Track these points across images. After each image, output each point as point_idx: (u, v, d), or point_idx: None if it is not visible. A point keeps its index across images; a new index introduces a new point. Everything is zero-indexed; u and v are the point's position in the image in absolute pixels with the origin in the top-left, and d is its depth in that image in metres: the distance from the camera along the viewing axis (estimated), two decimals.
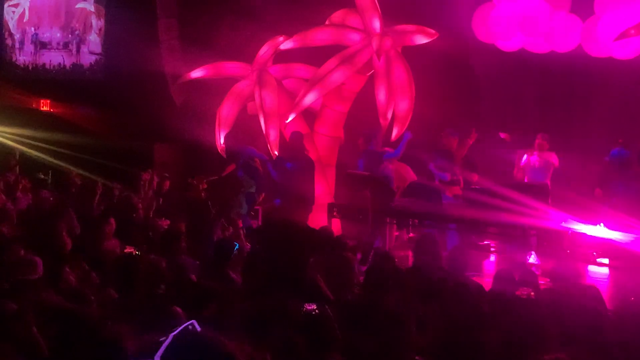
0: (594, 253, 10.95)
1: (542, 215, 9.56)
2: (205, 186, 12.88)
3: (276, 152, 12.31)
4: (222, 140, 12.78)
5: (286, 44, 12.39)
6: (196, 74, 13.23)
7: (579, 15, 11.93)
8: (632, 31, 9.71)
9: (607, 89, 12.94)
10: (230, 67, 13.11)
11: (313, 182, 11.52)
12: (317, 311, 4.64)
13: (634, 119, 12.40)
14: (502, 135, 10.20)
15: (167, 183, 13.68)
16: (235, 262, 6.79)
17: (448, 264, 7.08)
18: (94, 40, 17.40)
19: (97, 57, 17.34)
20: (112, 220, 8.45)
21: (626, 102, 12.80)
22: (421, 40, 12.15)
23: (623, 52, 11.53)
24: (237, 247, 6.90)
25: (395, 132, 12.24)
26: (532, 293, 5.57)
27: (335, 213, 10.96)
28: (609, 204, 10.54)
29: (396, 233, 12.07)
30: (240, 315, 4.78)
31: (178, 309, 5.07)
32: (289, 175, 11.29)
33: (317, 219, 11.37)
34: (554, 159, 11.73)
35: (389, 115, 12.07)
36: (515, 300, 5.39)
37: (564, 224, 10.13)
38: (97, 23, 17.38)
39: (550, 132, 12.04)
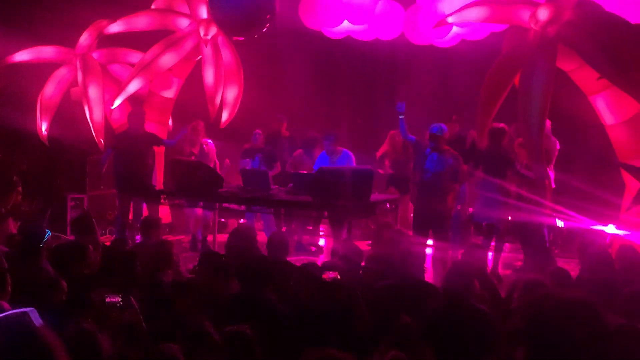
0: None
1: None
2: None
3: (102, 140, 12.00)
4: (44, 128, 12.31)
5: (110, 28, 12.06)
6: (16, 58, 12.63)
7: (401, 3, 12.25)
8: (450, 19, 10.07)
9: (428, 76, 13.41)
10: (52, 52, 12.60)
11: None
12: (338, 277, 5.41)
13: (455, 104, 12.89)
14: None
15: None
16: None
17: (268, 249, 7.14)
18: None
19: None
20: None
21: (446, 88, 13.31)
22: None
23: (443, 40, 11.95)
24: (48, 234, 6.67)
25: (225, 118, 12.21)
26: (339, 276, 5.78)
27: (162, 200, 10.79)
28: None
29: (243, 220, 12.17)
30: None
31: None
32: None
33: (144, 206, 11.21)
34: None
35: (217, 101, 12.00)
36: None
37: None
38: None
39: (374, 118, 12.36)
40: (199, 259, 6.79)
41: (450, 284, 5.42)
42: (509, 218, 10.12)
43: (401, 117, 9.94)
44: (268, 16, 10.30)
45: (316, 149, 12.00)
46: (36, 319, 2.97)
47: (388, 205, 10.92)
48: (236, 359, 4.28)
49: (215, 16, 10.77)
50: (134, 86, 11.71)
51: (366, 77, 14.29)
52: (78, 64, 12.22)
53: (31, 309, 2.98)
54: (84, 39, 12.35)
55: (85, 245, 6.67)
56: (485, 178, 10.05)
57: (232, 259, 6.71)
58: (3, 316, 2.96)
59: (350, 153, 11.14)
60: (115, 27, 12.06)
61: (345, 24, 12.22)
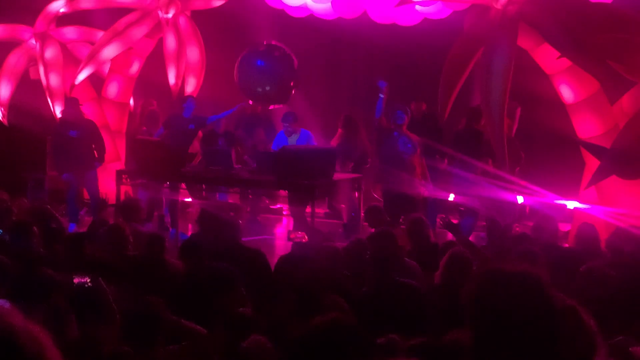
0: None
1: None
2: None
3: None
4: (2, 108, 12.17)
5: (68, 6, 11.90)
6: None
7: None
8: None
9: (391, 55, 13.40)
10: (9, 30, 12.40)
11: (103, 145, 11.23)
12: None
13: (416, 84, 12.91)
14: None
15: None
16: None
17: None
18: None
19: None
20: None
21: (407, 67, 13.31)
22: (211, 3, 12.08)
23: (405, 18, 11.94)
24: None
25: (190, 90, 12.16)
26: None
27: (124, 180, 10.69)
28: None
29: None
30: None
31: None
32: (76, 143, 10.90)
33: (106, 186, 11.09)
34: None
35: (179, 81, 11.94)
36: None
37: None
38: None
39: (338, 98, 12.36)
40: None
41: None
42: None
43: (381, 96, 9.87)
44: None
45: (258, 128, 11.92)
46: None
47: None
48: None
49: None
50: (92, 67, 11.62)
51: (329, 56, 14.24)
52: (37, 43, 12.05)
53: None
54: (43, 17, 12.17)
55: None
56: (461, 158, 10.10)
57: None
58: None
59: (310, 132, 11.09)
60: (73, 6, 11.90)
61: (309, 1, 12.16)
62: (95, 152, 11.11)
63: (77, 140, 10.88)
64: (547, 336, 2.38)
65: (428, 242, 7.37)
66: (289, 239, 6.72)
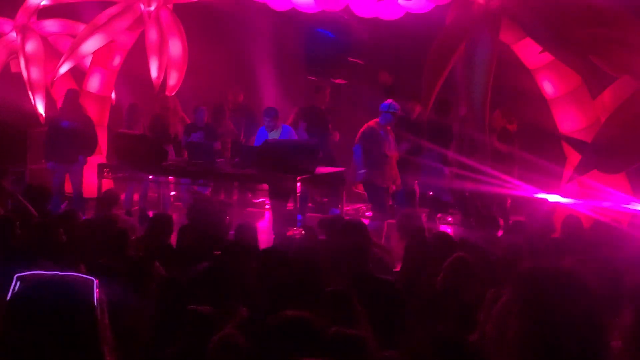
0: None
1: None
2: None
3: (42, 113, 11.82)
4: None
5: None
6: None
7: None
8: None
9: (375, 49, 13.39)
10: None
11: (96, 140, 11.16)
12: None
13: (398, 78, 12.90)
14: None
15: None
16: None
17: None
18: None
19: None
20: None
21: (392, 62, 13.30)
22: None
23: (388, 12, 11.94)
24: None
25: (172, 83, 12.14)
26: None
27: (105, 174, 10.65)
28: None
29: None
30: None
31: None
32: (66, 134, 10.81)
33: (88, 180, 11.05)
34: None
35: (162, 74, 11.89)
36: None
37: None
38: None
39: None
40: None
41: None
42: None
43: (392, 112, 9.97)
44: None
45: (226, 119, 11.88)
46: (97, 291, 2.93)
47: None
48: None
49: None
50: (73, 60, 11.55)
51: (310, 50, 14.20)
52: (18, 36, 11.96)
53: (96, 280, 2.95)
54: (23, 9, 12.08)
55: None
56: (430, 148, 10.16)
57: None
58: (71, 276, 2.93)
59: (291, 128, 11.05)
60: None
61: None
62: (84, 146, 11.00)
63: (67, 132, 10.79)
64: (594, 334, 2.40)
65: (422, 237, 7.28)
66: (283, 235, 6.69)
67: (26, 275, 2.91)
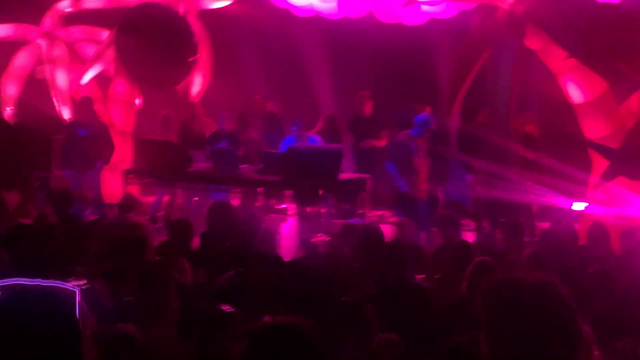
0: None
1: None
2: None
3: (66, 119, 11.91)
4: (9, 108, 12.19)
5: (74, 6, 11.92)
6: None
7: None
8: None
9: (396, 55, 13.36)
10: (16, 30, 12.40)
11: (112, 146, 11.22)
12: None
13: (424, 84, 12.88)
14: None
15: None
16: None
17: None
18: None
19: None
20: None
21: (413, 68, 13.27)
22: (216, 4, 12.09)
23: (411, 18, 11.92)
24: None
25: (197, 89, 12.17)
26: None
27: (130, 179, 10.70)
28: None
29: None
30: None
31: None
32: (82, 142, 10.89)
33: (113, 185, 11.10)
34: None
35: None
36: None
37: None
38: None
39: (341, 98, 12.34)
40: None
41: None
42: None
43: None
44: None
45: (253, 128, 11.93)
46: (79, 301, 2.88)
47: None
48: None
49: None
50: (98, 66, 11.64)
51: (334, 56, 14.18)
52: (43, 43, 12.06)
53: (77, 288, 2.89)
54: (49, 16, 12.18)
55: None
56: (457, 156, 10.12)
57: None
58: (53, 286, 2.87)
59: (317, 138, 11.08)
60: (79, 5, 11.92)
61: (314, 1, 12.14)
62: (100, 153, 11.07)
63: (83, 139, 10.86)
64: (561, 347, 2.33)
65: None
66: (307, 242, 6.67)
67: (7, 284, 2.85)
